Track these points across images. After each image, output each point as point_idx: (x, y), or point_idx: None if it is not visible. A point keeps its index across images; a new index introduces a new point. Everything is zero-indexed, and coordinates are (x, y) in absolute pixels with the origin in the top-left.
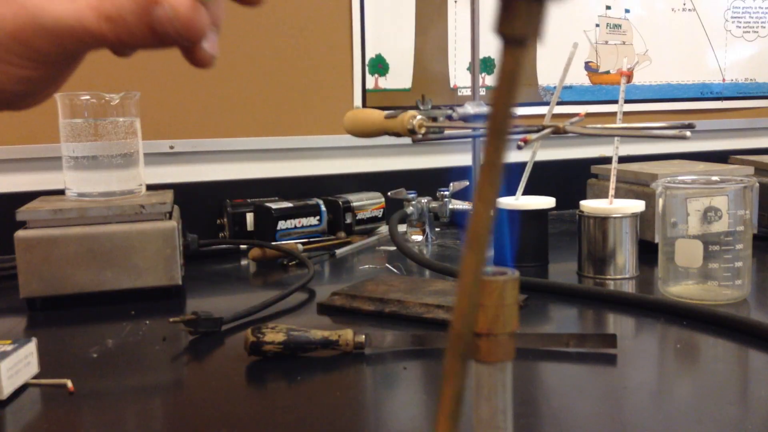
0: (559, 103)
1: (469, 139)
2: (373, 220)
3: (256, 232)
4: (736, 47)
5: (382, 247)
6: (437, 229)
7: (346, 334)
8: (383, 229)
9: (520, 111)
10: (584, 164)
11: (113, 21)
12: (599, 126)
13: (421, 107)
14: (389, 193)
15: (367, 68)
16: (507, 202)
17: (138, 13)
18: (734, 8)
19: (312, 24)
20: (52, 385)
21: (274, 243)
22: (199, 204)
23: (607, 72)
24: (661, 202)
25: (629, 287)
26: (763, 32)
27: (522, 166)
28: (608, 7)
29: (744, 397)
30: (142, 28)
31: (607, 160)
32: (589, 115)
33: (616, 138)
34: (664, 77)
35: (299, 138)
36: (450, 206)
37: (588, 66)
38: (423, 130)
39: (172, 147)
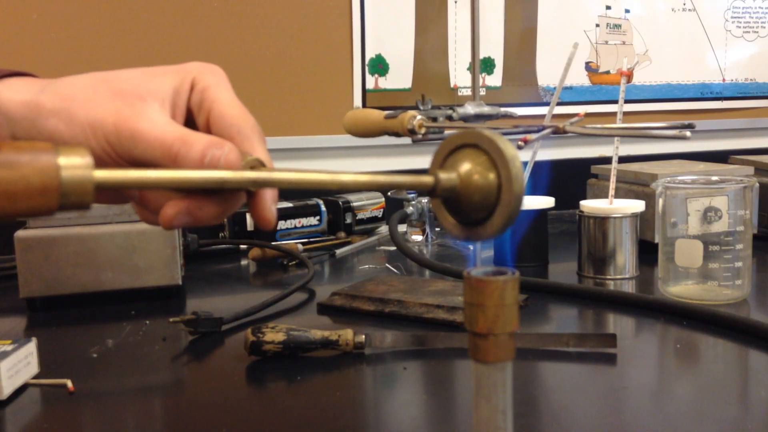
0: (559, 103)
1: None
2: (373, 220)
3: (256, 232)
4: (736, 47)
5: (382, 247)
6: (437, 229)
7: (346, 334)
8: (383, 229)
9: (521, 111)
10: (584, 164)
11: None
12: (599, 126)
13: (421, 107)
14: (389, 193)
15: (367, 68)
16: None
17: (201, 150)
18: (734, 8)
19: (312, 24)
20: (52, 385)
21: (274, 243)
22: None
23: (607, 72)
24: (661, 202)
25: (629, 287)
26: (763, 32)
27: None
28: (608, 7)
29: (744, 397)
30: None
31: (607, 160)
32: (589, 115)
33: (616, 138)
34: (664, 77)
35: (299, 138)
36: None
37: (588, 66)
38: (423, 130)
39: None
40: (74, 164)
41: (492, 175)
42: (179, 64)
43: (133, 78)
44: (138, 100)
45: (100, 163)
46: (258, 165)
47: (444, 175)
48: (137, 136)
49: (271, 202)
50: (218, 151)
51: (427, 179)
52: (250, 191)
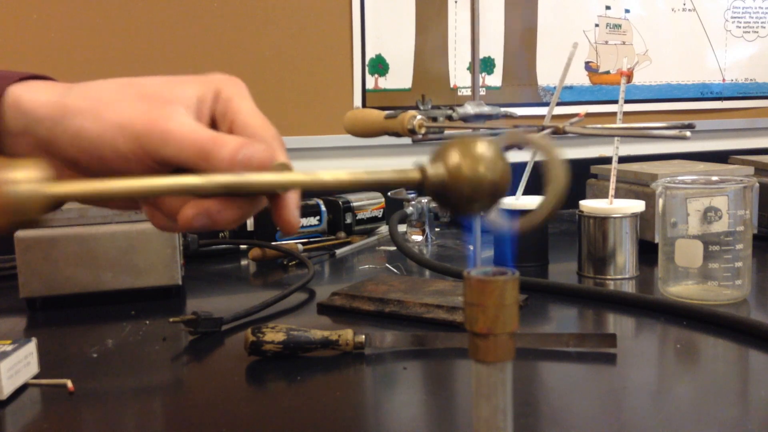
0: (559, 104)
1: None
2: (373, 220)
3: (256, 232)
4: (736, 47)
5: (382, 247)
6: (437, 229)
7: (346, 334)
8: (383, 229)
9: (521, 111)
10: (584, 164)
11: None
12: (599, 126)
13: (421, 107)
14: (389, 193)
15: (367, 68)
16: (507, 202)
17: (234, 149)
18: (734, 8)
19: (312, 24)
20: (52, 385)
21: (274, 243)
22: None
23: (607, 72)
24: (661, 202)
25: (629, 287)
26: (763, 32)
27: (522, 166)
28: (608, 7)
29: (744, 397)
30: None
31: (607, 160)
32: (589, 115)
33: (616, 138)
34: (664, 77)
35: (299, 138)
36: None
37: (588, 66)
38: (423, 130)
39: None
40: (25, 178)
41: (482, 168)
42: (187, 68)
43: (158, 84)
44: (165, 104)
45: (127, 164)
46: (285, 169)
47: (432, 170)
48: (167, 137)
49: (295, 207)
50: (250, 150)
51: (414, 174)
52: (273, 194)
